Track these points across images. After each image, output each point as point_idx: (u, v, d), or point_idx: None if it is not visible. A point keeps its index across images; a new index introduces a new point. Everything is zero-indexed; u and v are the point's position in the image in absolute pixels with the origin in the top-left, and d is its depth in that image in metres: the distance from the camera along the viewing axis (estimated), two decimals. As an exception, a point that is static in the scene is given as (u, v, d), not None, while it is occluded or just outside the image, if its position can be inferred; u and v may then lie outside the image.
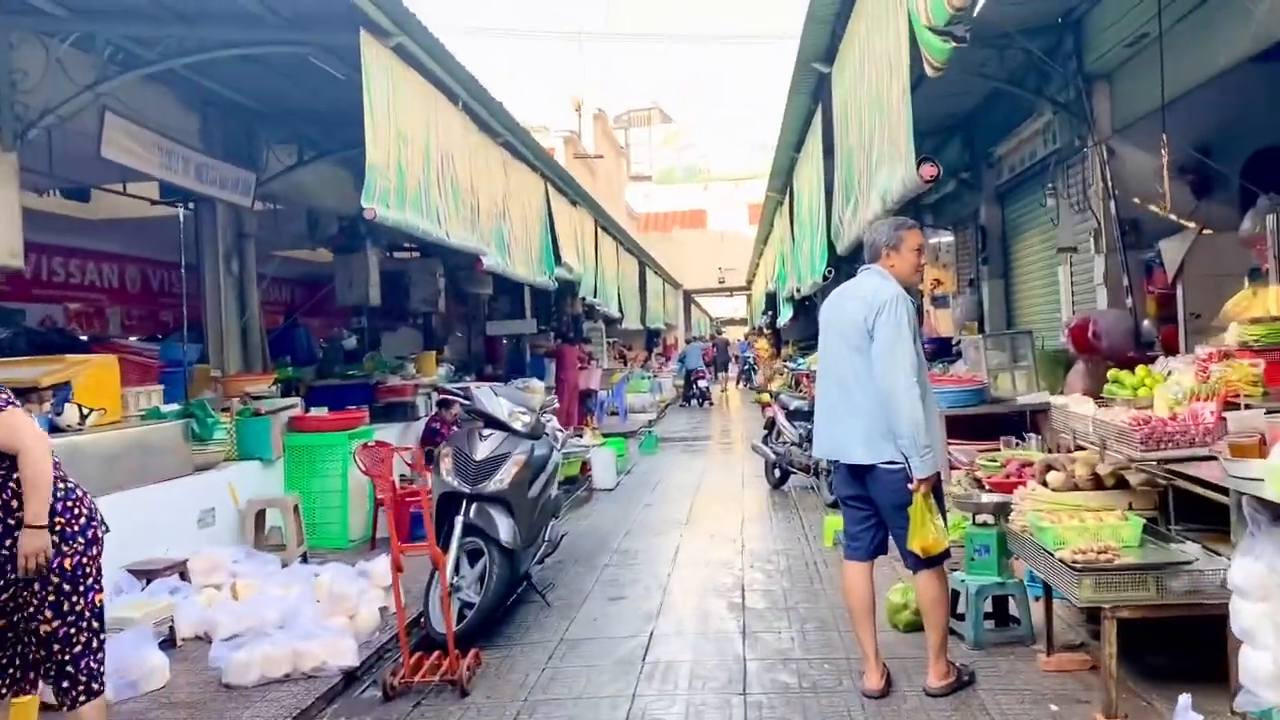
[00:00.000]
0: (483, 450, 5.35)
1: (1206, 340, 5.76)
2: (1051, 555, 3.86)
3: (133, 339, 11.01)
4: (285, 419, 7.89)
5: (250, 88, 8.75)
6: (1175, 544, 3.97)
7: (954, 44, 4.24)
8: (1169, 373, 4.30)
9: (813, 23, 7.41)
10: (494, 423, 5.49)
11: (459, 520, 5.24)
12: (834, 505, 8.43)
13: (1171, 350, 7.12)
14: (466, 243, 8.42)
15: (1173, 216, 7.66)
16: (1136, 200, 7.80)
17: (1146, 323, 7.46)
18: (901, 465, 3.99)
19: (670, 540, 7.64)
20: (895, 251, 4.21)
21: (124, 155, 7.38)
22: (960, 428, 7.45)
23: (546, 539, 6.04)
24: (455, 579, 5.21)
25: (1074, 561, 3.69)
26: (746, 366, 32.69)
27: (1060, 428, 4.72)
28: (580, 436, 13.53)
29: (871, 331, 4.00)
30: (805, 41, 7.82)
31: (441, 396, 11.24)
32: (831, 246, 9.05)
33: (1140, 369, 4.48)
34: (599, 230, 16.72)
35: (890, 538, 4.23)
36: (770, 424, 10.11)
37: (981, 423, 7.55)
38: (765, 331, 33.84)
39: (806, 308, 22.52)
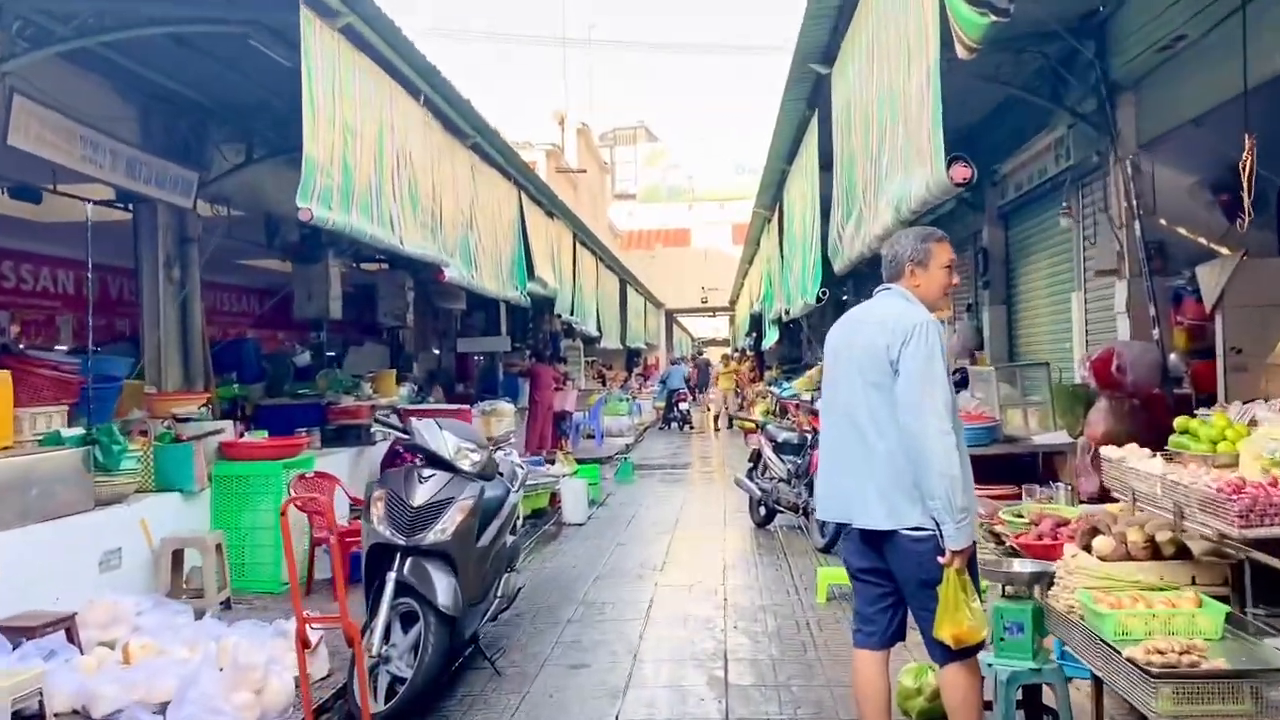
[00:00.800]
0: (422, 494, 4.52)
1: (1259, 380, 5.03)
2: (1115, 651, 3.08)
3: (59, 349, 10.08)
4: (214, 445, 7.04)
5: (194, 79, 7.97)
6: (1264, 638, 3.20)
7: (993, 18, 3.50)
8: (1251, 422, 3.55)
9: (811, 20, 6.69)
10: (437, 461, 4.67)
11: (391, 578, 4.41)
12: (826, 550, 7.64)
13: (1204, 389, 6.40)
14: (426, 252, 7.62)
15: (1203, 241, 6.98)
16: (1163, 221, 7.11)
17: (1174, 356, 6.74)
18: (930, 532, 3.21)
19: (644, 590, 6.82)
20: (921, 268, 3.45)
21: (36, 144, 6.53)
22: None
23: (499, 594, 5.21)
24: (385, 648, 4.37)
25: (1149, 664, 2.91)
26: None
27: (1115, 486, 3.94)
28: (552, 463, 12.71)
29: (896, 364, 3.23)
30: (802, 39, 7.10)
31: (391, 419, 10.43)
32: (827, 265, 8.31)
33: (1218, 417, 3.72)
34: (578, 244, 15.95)
35: (912, 620, 3.44)
36: (755, 457, 9.33)
37: (991, 464, 6.81)
38: (748, 354, 33.15)
39: (791, 330, 21.82)
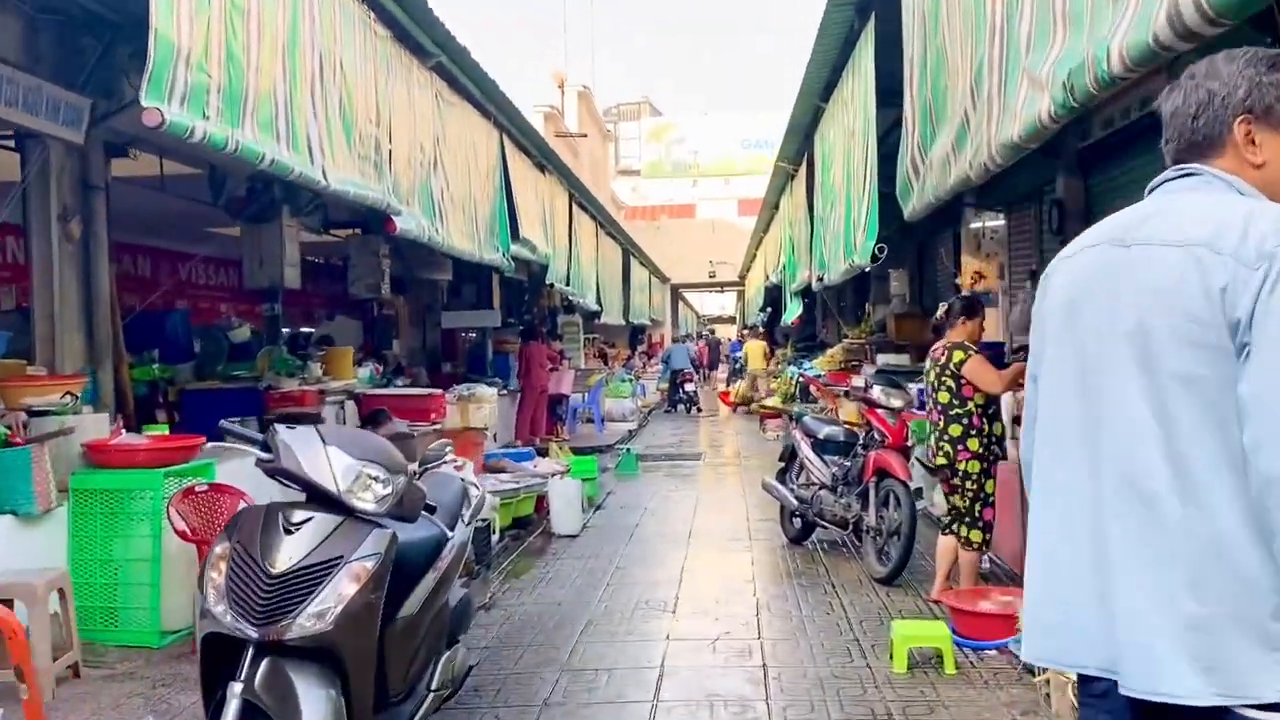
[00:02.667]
0: (288, 554, 2.73)
1: None
2: None
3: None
4: (77, 448, 5.27)
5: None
6: None
7: None
8: None
9: None
10: (317, 494, 2.88)
11: (234, 693, 2.63)
12: (888, 581, 5.89)
13: None
14: (361, 192, 5.81)
15: None
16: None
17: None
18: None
19: (651, 647, 5.04)
20: (1271, 127, 1.62)
21: None
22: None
23: (432, 687, 3.44)
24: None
25: None
26: (737, 367, 30.12)
27: None
28: (544, 453, 10.95)
29: (1243, 329, 1.45)
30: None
31: (373, 409, 8.66)
32: (886, 216, 6.52)
33: None
34: (574, 206, 14.12)
35: None
36: (788, 455, 7.53)
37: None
38: (761, 330, 31.31)
39: (808, 304, 19.70)
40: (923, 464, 5.76)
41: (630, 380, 17.45)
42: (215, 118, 4.22)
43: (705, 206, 40.76)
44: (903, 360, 13.61)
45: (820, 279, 9.65)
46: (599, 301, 17.09)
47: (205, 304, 13.09)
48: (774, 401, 16.33)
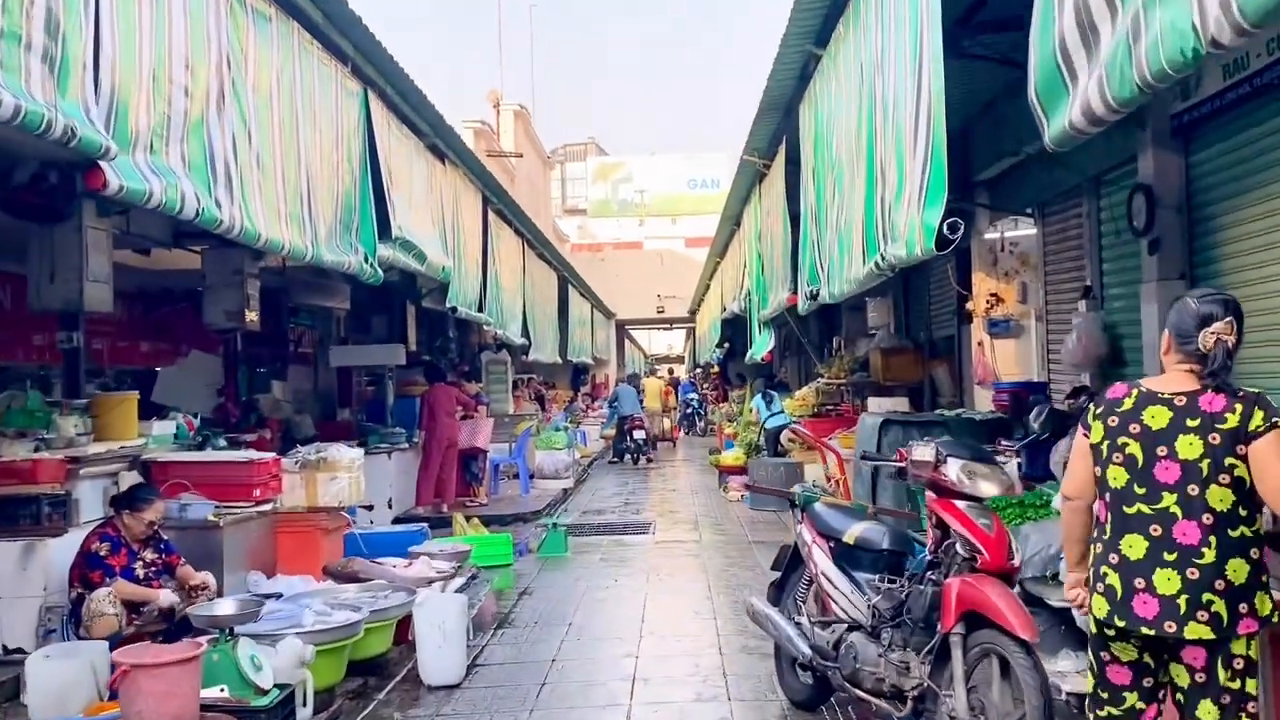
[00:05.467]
0: None
1: None
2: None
3: None
4: None
5: None
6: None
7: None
8: None
9: None
10: None
11: None
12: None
13: None
14: (39, 113, 2.97)
15: None
16: None
17: None
18: None
19: None
20: None
21: None
22: None
23: None
24: None
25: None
26: (690, 410, 27.47)
27: None
28: (447, 525, 8.09)
29: None
30: None
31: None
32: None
33: None
34: (491, 213, 11.36)
35: None
36: (786, 561, 4.76)
37: None
38: (713, 370, 28.74)
39: (784, 334, 16.87)
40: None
41: (566, 429, 14.62)
42: None
43: (653, 245, 38.75)
44: (899, 404, 11.04)
45: (813, 295, 6.96)
46: (526, 334, 14.28)
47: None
48: (734, 456, 13.61)
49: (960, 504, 3.64)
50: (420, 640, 5.16)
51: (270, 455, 6.44)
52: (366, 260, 6.45)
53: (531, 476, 13.88)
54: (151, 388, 11.21)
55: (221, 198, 4.54)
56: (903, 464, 4.01)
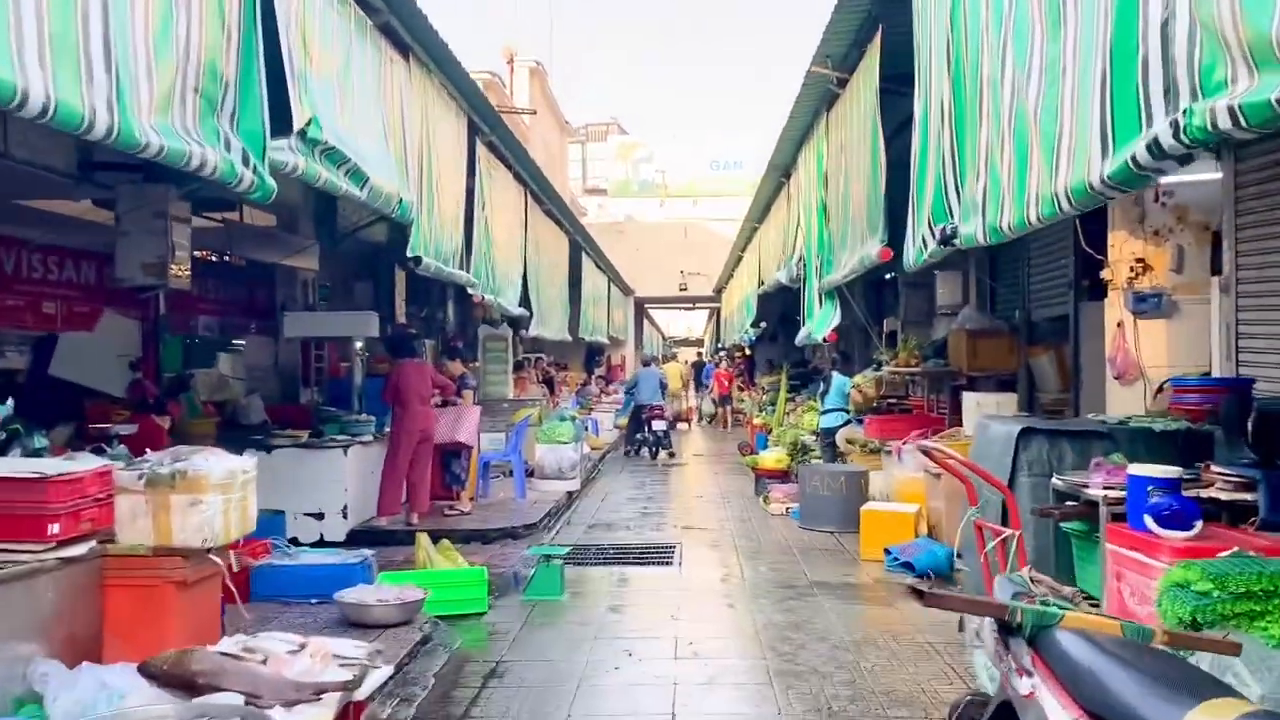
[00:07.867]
0: None
1: None
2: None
3: None
4: None
5: None
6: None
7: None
8: None
9: None
10: None
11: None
12: None
13: None
14: None
15: None
16: None
17: None
18: None
19: None
20: None
21: None
22: None
23: None
24: None
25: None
26: (714, 396, 25.12)
27: None
28: (407, 551, 5.75)
29: None
30: None
31: None
32: None
33: None
34: (480, 146, 8.94)
35: None
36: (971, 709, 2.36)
37: None
38: (738, 354, 26.30)
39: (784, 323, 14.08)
40: None
41: (572, 419, 12.25)
42: None
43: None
44: (1006, 402, 8.56)
45: (948, 237, 4.49)
46: (527, 304, 11.88)
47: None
48: (776, 458, 11.18)
49: None
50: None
51: (90, 467, 4.06)
52: (246, 161, 4.04)
53: (530, 475, 11.53)
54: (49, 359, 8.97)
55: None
56: None
